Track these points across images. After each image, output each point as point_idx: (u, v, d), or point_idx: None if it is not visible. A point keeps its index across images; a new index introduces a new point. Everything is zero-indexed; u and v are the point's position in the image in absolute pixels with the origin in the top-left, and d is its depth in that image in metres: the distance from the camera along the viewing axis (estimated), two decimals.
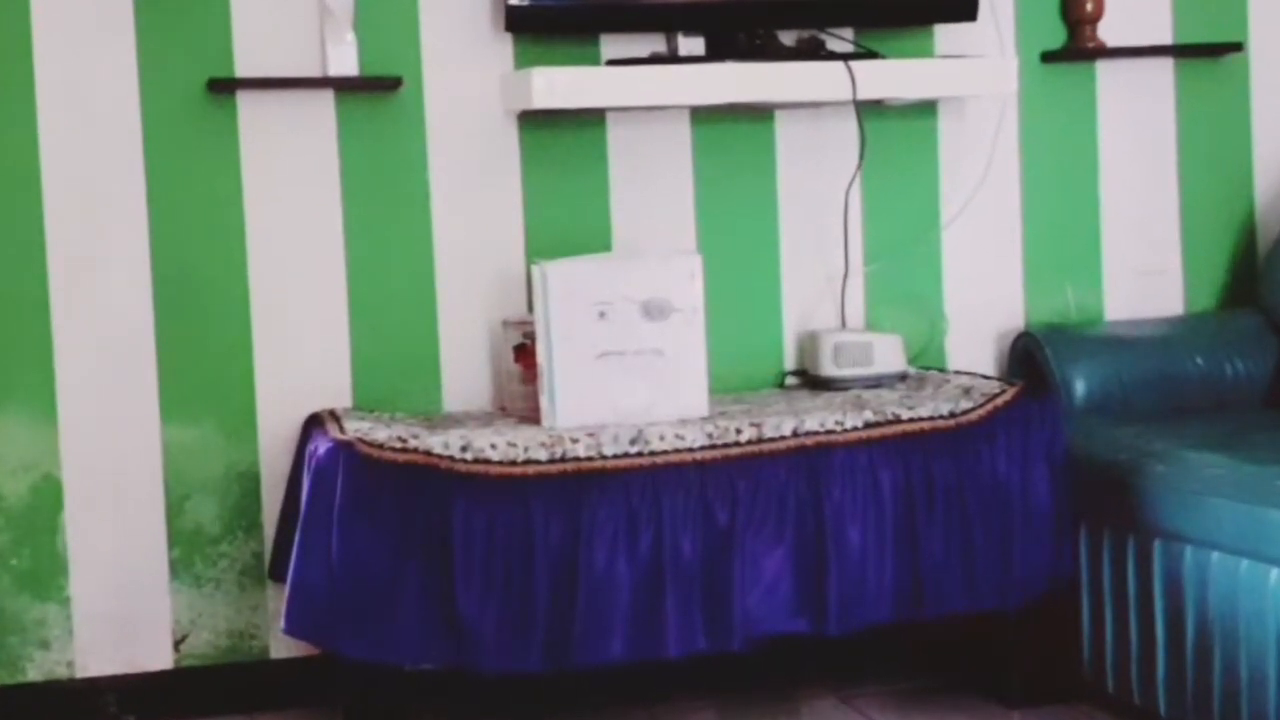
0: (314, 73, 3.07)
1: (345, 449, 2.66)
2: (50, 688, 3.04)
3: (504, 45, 3.14)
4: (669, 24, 3.13)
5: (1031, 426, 2.87)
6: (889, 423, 2.78)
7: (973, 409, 2.84)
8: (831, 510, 2.75)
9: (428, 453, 2.65)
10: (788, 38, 3.15)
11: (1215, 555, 2.56)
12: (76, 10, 2.99)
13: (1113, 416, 3.16)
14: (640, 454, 2.70)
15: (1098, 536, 2.88)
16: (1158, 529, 2.69)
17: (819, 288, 3.31)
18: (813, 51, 3.13)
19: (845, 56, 3.10)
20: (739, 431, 2.75)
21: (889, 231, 3.34)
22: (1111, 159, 3.44)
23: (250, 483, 3.10)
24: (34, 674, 3.04)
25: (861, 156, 3.25)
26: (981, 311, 3.38)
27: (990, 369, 3.36)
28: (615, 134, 3.22)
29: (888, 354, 3.12)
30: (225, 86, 3.04)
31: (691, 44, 3.13)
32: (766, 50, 3.11)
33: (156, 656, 3.08)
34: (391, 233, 3.15)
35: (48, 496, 3.03)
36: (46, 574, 3.03)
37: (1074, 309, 3.42)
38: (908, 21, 3.26)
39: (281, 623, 2.73)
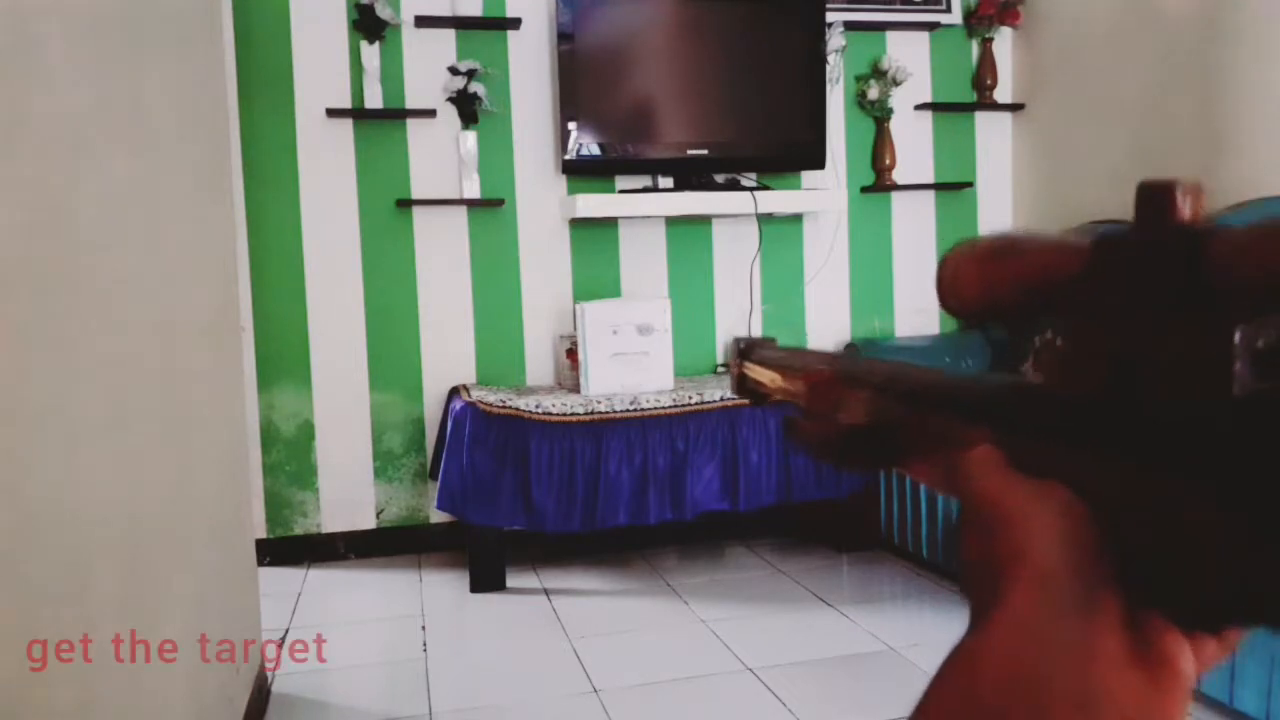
0: (455, 195, 3.08)
1: (471, 406, 2.67)
2: (307, 538, 3.07)
3: (561, 181, 3.15)
4: (653, 170, 3.12)
5: None
6: None
7: None
8: (741, 442, 2.76)
9: (516, 408, 2.67)
10: (719, 178, 3.16)
11: None
12: (324, 162, 3.01)
13: None
14: (636, 410, 2.71)
15: None
16: None
17: (736, 318, 3.31)
18: (732, 186, 3.14)
19: (751, 189, 3.11)
20: (691, 397, 2.76)
21: (775, 287, 3.34)
22: (899, 248, 3.45)
23: (418, 424, 3.11)
24: (298, 530, 3.06)
25: (760, 245, 3.27)
26: (826, 332, 3.39)
27: None
28: (623, 232, 3.23)
29: None
30: (406, 204, 3.05)
31: (665, 181, 3.14)
32: (707, 185, 3.11)
33: (366, 520, 3.10)
34: (499, 285, 3.15)
35: (306, 431, 3.05)
36: (305, 474, 3.05)
37: (878, 330, 3.44)
38: (786, 169, 3.26)
39: (434, 502, 2.76)
